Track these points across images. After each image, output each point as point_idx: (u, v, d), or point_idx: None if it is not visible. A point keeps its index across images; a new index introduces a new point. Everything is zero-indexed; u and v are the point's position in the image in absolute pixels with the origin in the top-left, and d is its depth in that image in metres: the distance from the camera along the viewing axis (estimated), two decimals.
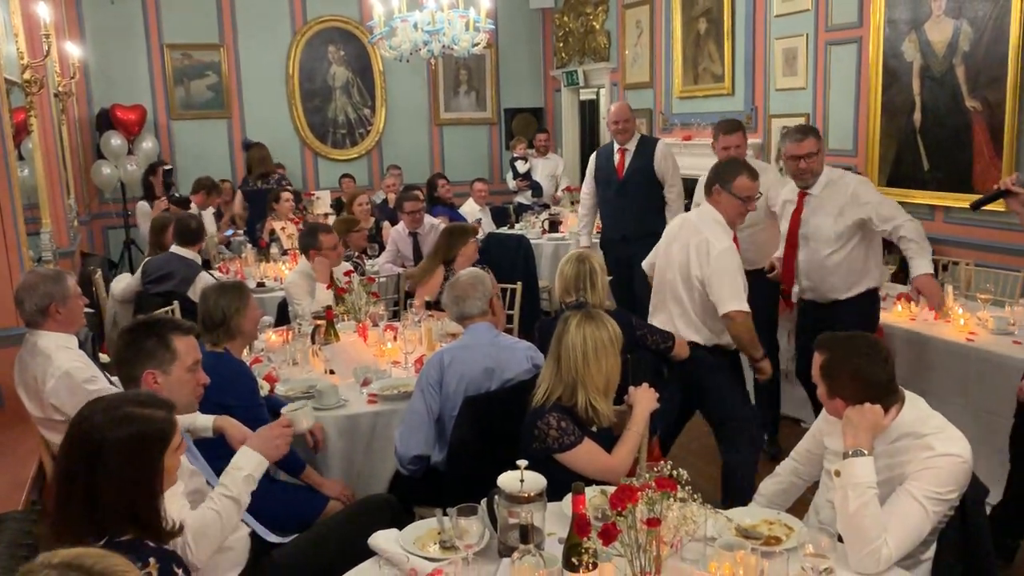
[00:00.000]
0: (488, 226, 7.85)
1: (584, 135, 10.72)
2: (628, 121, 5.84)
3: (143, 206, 7.87)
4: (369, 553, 2.26)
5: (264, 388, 3.46)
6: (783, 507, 2.64)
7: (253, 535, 2.56)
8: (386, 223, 7.24)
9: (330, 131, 10.02)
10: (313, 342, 4.05)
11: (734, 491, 3.43)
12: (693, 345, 3.72)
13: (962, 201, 4.99)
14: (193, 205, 7.55)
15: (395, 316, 5.24)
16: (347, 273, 4.91)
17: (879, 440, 2.26)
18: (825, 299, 4.11)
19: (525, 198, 9.09)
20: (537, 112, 10.82)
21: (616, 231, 5.99)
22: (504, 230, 7.77)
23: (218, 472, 2.40)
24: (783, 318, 4.64)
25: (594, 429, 2.73)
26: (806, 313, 4.26)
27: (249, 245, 7.01)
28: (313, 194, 9.04)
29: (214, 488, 2.33)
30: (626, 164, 5.87)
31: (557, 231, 7.49)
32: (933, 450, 2.17)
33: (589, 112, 10.79)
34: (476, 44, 5.89)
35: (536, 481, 2.21)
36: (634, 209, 5.83)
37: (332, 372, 3.80)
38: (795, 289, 4.28)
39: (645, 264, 4.25)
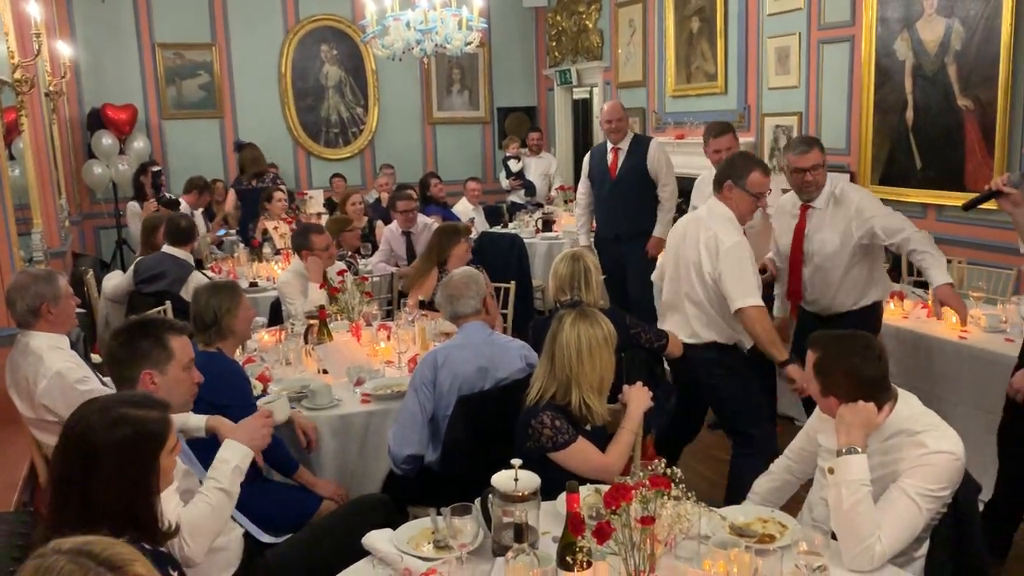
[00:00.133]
0: (481, 225, 7.85)
1: (577, 134, 10.72)
2: (621, 120, 5.85)
3: (133, 206, 7.85)
4: (363, 553, 2.26)
5: (257, 388, 3.46)
6: (777, 505, 2.64)
7: (247, 535, 2.56)
8: (379, 222, 7.23)
9: (323, 130, 9.99)
10: (306, 342, 4.04)
11: (737, 495, 3.37)
12: (712, 346, 3.61)
13: (954, 199, 5.01)
14: (185, 205, 7.53)
15: (388, 315, 5.23)
16: (340, 272, 4.90)
17: (872, 438, 2.26)
18: (828, 312, 3.99)
19: (518, 197, 9.09)
20: (530, 111, 10.82)
21: (609, 230, 6.00)
22: (497, 229, 7.77)
23: None
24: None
25: (588, 428, 2.74)
26: (806, 320, 4.11)
27: (241, 245, 6.99)
28: (306, 194, 9.03)
29: (205, 481, 2.32)
30: (619, 163, 5.87)
31: (551, 230, 7.49)
32: (926, 447, 2.17)
33: (582, 111, 10.79)
34: (469, 43, 5.88)
35: (530, 480, 2.20)
36: (627, 208, 5.83)
37: (325, 372, 3.79)
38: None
39: (655, 276, 4.19)
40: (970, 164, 5.10)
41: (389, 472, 3.29)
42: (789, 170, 3.92)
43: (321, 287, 4.69)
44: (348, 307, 4.52)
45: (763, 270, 4.41)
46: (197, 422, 2.69)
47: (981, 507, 3.12)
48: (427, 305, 4.63)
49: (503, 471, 2.23)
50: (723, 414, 3.68)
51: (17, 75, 4.77)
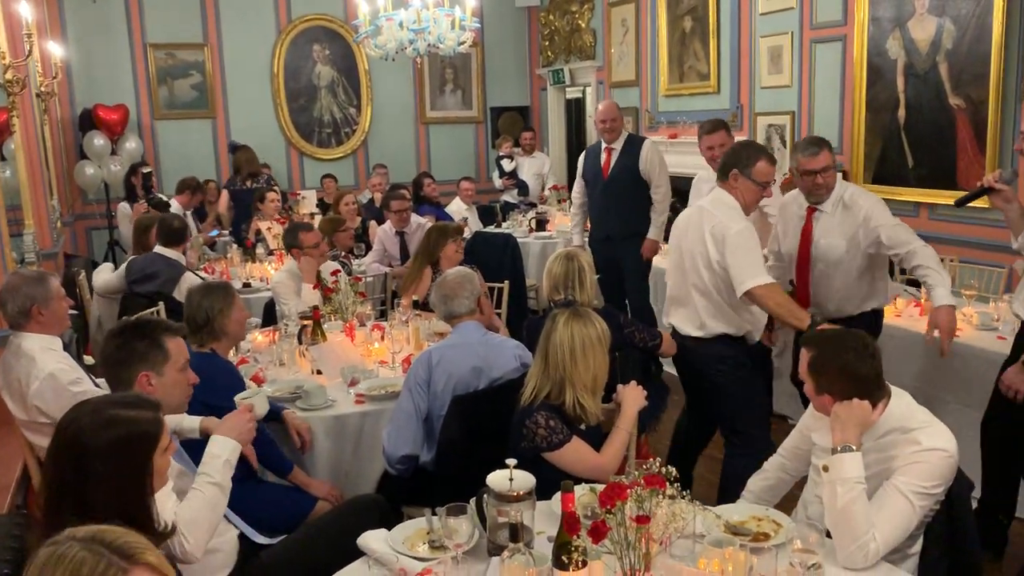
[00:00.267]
0: (475, 225, 7.85)
1: (570, 133, 10.73)
2: (616, 120, 5.82)
3: (124, 207, 7.83)
4: (358, 553, 2.26)
5: (251, 389, 3.44)
6: (771, 503, 2.64)
7: (241, 536, 2.56)
8: (372, 222, 7.23)
9: (315, 130, 9.98)
10: (300, 342, 4.03)
11: (732, 494, 3.37)
12: (721, 338, 3.54)
13: (946, 198, 5.02)
14: (177, 205, 7.50)
15: (382, 316, 5.23)
16: (334, 273, 4.90)
17: (866, 436, 2.27)
18: (829, 317, 3.82)
19: (511, 197, 9.10)
20: (523, 111, 10.82)
21: (601, 230, 5.98)
22: (491, 229, 7.77)
23: None
24: (784, 331, 4.53)
25: (583, 427, 2.74)
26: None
27: (235, 245, 6.97)
28: (299, 194, 9.01)
29: (197, 476, 2.32)
30: (612, 163, 5.85)
31: (544, 230, 7.49)
32: (920, 445, 2.18)
33: (575, 110, 10.80)
34: (462, 43, 5.88)
35: (525, 480, 2.20)
36: (619, 209, 5.81)
37: (319, 372, 3.78)
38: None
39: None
40: (962, 162, 5.12)
41: (383, 472, 3.28)
42: (798, 173, 3.75)
43: (315, 287, 4.69)
44: (342, 307, 4.51)
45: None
46: (191, 423, 2.69)
47: (974, 504, 3.14)
48: (421, 305, 4.63)
49: (498, 471, 2.23)
50: (724, 412, 3.61)
51: (8, 76, 4.75)
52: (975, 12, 4.90)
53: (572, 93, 10.63)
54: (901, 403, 2.33)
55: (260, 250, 6.55)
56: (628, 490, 1.94)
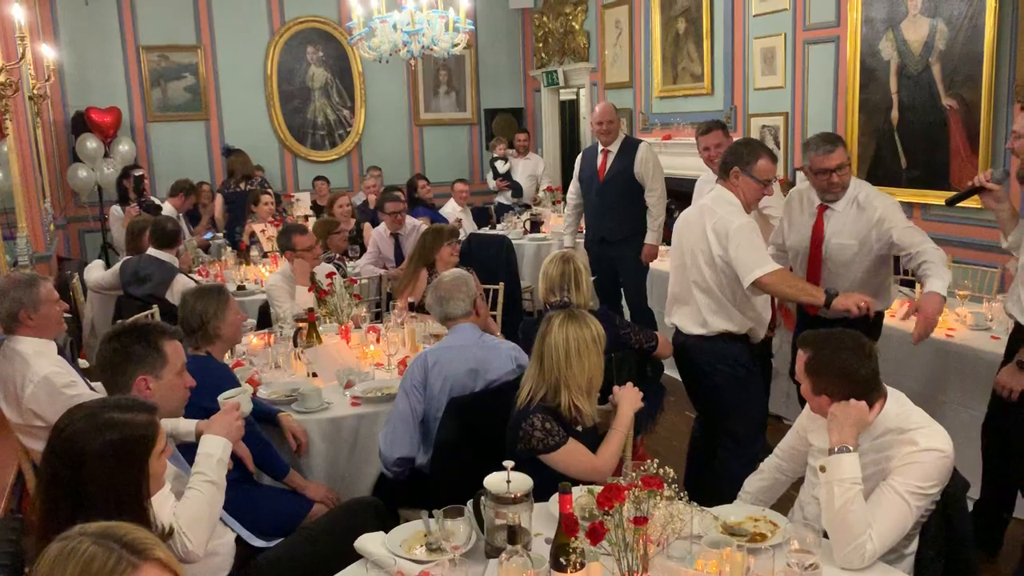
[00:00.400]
0: (469, 226, 7.85)
1: (564, 135, 10.74)
2: (612, 122, 5.80)
3: (116, 211, 7.80)
4: (355, 556, 2.25)
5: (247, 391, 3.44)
6: (767, 504, 2.65)
7: (238, 540, 2.55)
8: (367, 224, 7.22)
9: (309, 133, 9.97)
10: (295, 345, 4.03)
11: (727, 497, 3.35)
12: (724, 336, 3.50)
13: (940, 198, 5.03)
14: (170, 208, 7.49)
15: (377, 318, 5.22)
16: (329, 275, 4.89)
17: (863, 436, 2.28)
18: (833, 317, 3.71)
19: (505, 198, 9.10)
20: (517, 112, 10.82)
21: (596, 233, 5.97)
22: (486, 230, 7.77)
23: None
24: (784, 331, 4.51)
25: (579, 429, 2.74)
26: (808, 322, 3.86)
27: (229, 248, 6.97)
28: (292, 196, 9.01)
29: (191, 477, 2.32)
30: (608, 166, 5.84)
31: (539, 231, 7.50)
32: (916, 445, 2.19)
33: (569, 112, 10.81)
34: (456, 45, 5.88)
35: (523, 482, 2.20)
36: (614, 212, 5.80)
37: (315, 375, 3.78)
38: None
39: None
40: (955, 163, 5.13)
41: (380, 475, 3.28)
42: (813, 172, 3.67)
43: (310, 290, 4.68)
44: (337, 310, 4.51)
45: None
46: (187, 427, 2.68)
47: (970, 505, 3.15)
48: (416, 307, 4.63)
49: (495, 473, 2.23)
50: (721, 412, 3.59)
51: (1, 79, 4.74)
52: (967, 13, 4.92)
53: (566, 95, 10.64)
54: (897, 404, 2.34)
55: (254, 252, 6.54)
56: (626, 491, 1.95)
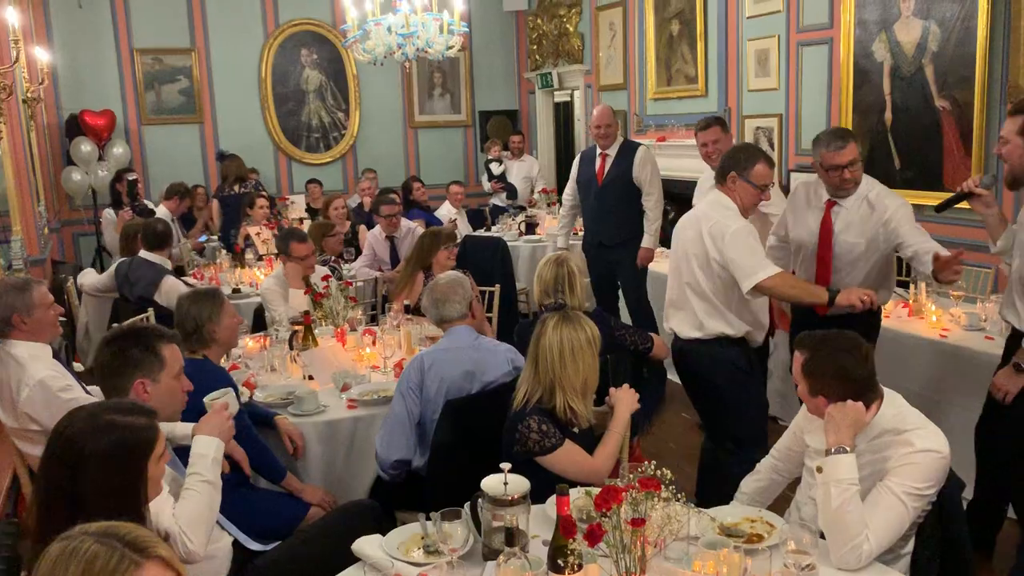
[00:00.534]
0: (464, 228, 7.85)
1: (559, 137, 10.74)
2: (610, 126, 5.77)
3: (109, 214, 7.78)
4: (353, 559, 2.26)
5: (244, 394, 3.44)
6: (764, 505, 2.65)
7: (235, 543, 2.55)
8: (362, 227, 7.22)
9: (304, 135, 9.96)
10: (291, 348, 4.02)
11: (726, 499, 3.32)
12: (720, 339, 3.49)
13: (933, 199, 5.04)
14: (165, 210, 7.47)
15: (373, 320, 5.22)
16: (325, 278, 4.89)
17: (860, 437, 2.28)
18: (837, 314, 3.67)
19: (500, 200, 9.11)
20: (512, 114, 10.83)
21: (595, 236, 5.94)
22: (481, 232, 7.77)
23: None
24: (779, 332, 4.48)
25: (575, 430, 2.74)
26: (805, 319, 3.80)
27: (224, 251, 6.96)
28: (287, 199, 9.00)
29: (186, 478, 2.32)
30: (606, 169, 5.81)
31: (534, 233, 7.51)
32: (913, 446, 2.20)
33: (564, 114, 10.82)
34: (450, 47, 5.87)
35: (520, 484, 2.21)
36: (612, 216, 5.77)
37: (311, 378, 3.78)
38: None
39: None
40: (948, 164, 5.15)
41: (376, 477, 3.28)
42: (823, 168, 3.58)
43: (306, 292, 4.68)
44: (333, 312, 4.51)
45: None
46: (184, 430, 2.67)
47: (964, 504, 3.16)
48: (412, 310, 4.63)
49: (493, 475, 2.24)
50: (720, 415, 3.58)
51: None
52: (960, 15, 4.94)
53: (560, 97, 10.64)
54: (894, 405, 2.34)
55: (249, 255, 6.53)
56: (623, 493, 1.95)
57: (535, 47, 10.18)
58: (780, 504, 2.69)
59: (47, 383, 3.06)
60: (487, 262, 6.39)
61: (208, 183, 9.24)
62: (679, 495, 2.08)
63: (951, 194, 3.66)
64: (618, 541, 1.95)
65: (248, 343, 4.24)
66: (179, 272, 6.13)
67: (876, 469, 2.25)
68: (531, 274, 6.20)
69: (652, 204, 5.71)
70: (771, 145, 6.57)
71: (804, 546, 2.01)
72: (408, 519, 2.84)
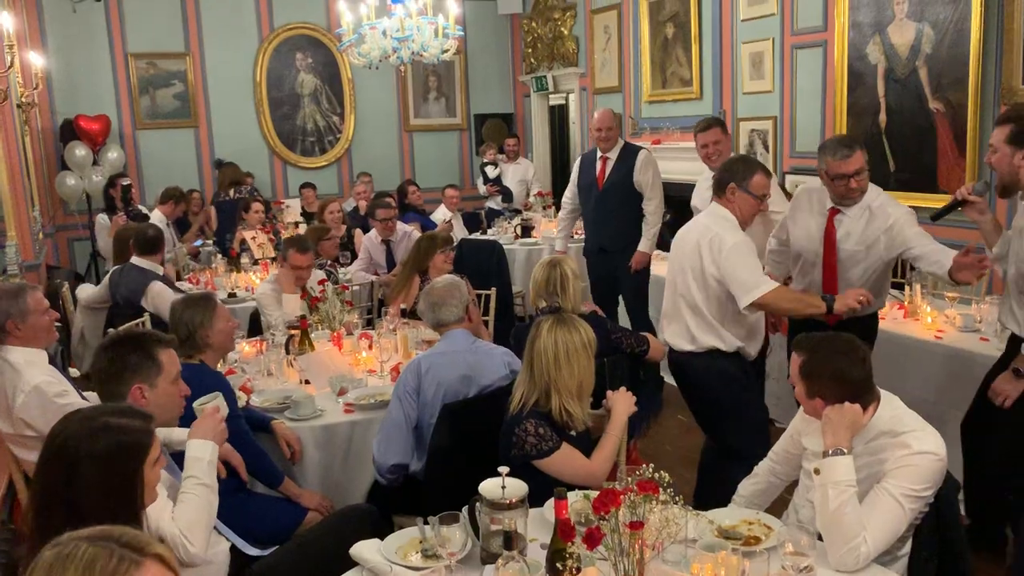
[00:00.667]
0: (460, 232, 7.85)
1: (554, 140, 10.76)
2: (611, 129, 5.73)
3: (102, 219, 7.76)
4: (351, 563, 2.25)
5: (240, 399, 3.43)
6: (762, 507, 2.66)
7: (233, 549, 2.54)
8: (358, 231, 7.21)
9: (299, 139, 9.95)
10: (288, 352, 4.02)
11: (721, 498, 3.32)
12: (713, 353, 3.48)
13: (928, 201, 5.07)
14: (160, 215, 7.46)
15: (369, 324, 5.22)
16: (321, 282, 4.89)
17: (857, 439, 2.29)
18: (849, 317, 3.64)
19: (496, 204, 9.11)
20: (507, 117, 10.84)
21: (595, 241, 5.90)
22: (477, 236, 7.77)
23: None
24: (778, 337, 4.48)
25: (572, 433, 2.74)
26: (805, 324, 3.73)
27: (219, 255, 6.95)
28: (283, 203, 8.99)
29: (183, 482, 2.32)
30: (607, 173, 5.77)
31: (529, 236, 7.51)
32: (910, 448, 2.20)
33: (559, 117, 10.83)
34: (445, 51, 5.88)
35: (518, 487, 2.21)
36: (613, 220, 5.74)
37: (307, 382, 3.77)
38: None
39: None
40: (943, 165, 5.17)
41: (374, 482, 3.28)
42: (829, 177, 3.55)
43: (302, 296, 4.68)
44: (329, 316, 4.50)
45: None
46: (181, 435, 2.66)
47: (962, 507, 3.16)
48: (409, 313, 4.63)
49: (491, 479, 2.24)
50: (719, 424, 3.57)
51: None
52: (953, 17, 4.96)
53: (555, 100, 10.66)
54: (890, 407, 2.35)
55: (245, 260, 6.52)
56: (622, 496, 1.95)
57: (530, 50, 10.20)
58: (778, 507, 2.70)
59: (43, 389, 3.05)
60: (483, 265, 6.39)
61: (203, 188, 9.23)
62: (677, 498, 2.08)
63: (948, 199, 3.68)
64: (616, 544, 1.95)
65: (244, 347, 4.23)
66: (176, 277, 6.12)
67: (873, 471, 2.25)
68: (527, 277, 6.19)
69: (652, 208, 5.66)
70: (766, 148, 6.59)
71: (802, 548, 2.02)
72: (406, 523, 2.83)
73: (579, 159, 6.16)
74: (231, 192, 8.11)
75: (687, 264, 3.49)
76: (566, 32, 9.44)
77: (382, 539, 2.33)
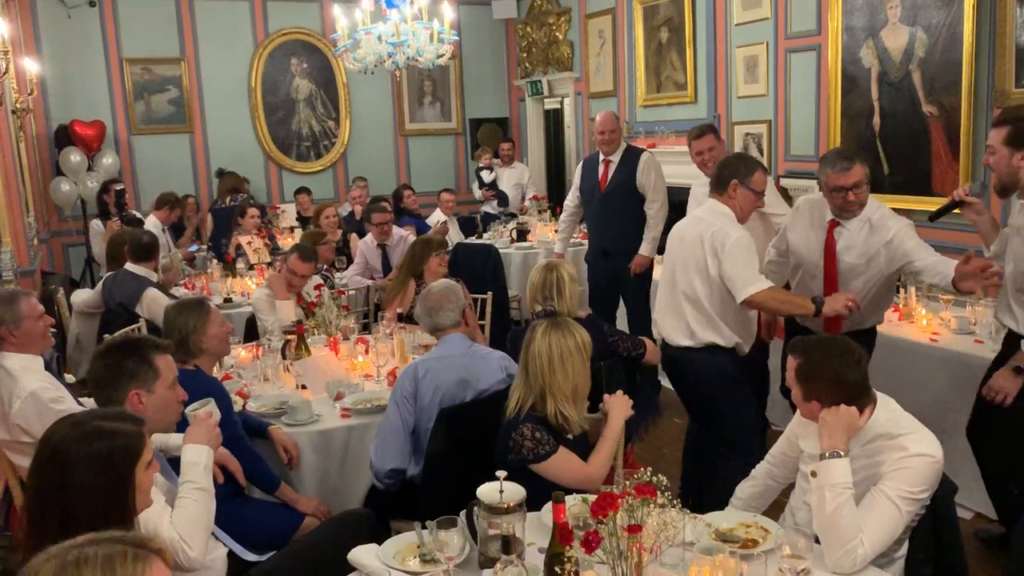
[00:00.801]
0: (456, 236, 7.85)
1: (549, 144, 10.77)
2: (614, 132, 5.71)
3: (96, 225, 7.75)
4: (348, 569, 2.25)
5: (237, 404, 3.43)
6: (759, 510, 2.66)
7: (230, 554, 2.54)
8: (353, 235, 7.22)
9: (294, 144, 9.95)
10: (284, 357, 4.02)
11: (722, 503, 3.33)
12: (711, 348, 3.51)
13: (922, 204, 5.10)
14: (155, 220, 7.45)
15: (366, 329, 5.22)
16: (317, 287, 4.89)
17: (853, 442, 2.29)
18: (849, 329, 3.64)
19: (491, 208, 9.12)
20: (502, 122, 10.85)
21: (598, 245, 5.89)
22: (472, 240, 7.77)
23: None
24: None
25: (569, 437, 2.75)
26: (800, 331, 3.76)
27: (215, 260, 6.94)
28: (278, 208, 8.99)
29: (179, 487, 2.31)
30: (609, 176, 5.75)
31: (525, 240, 7.51)
32: (906, 450, 2.21)
33: (554, 121, 10.85)
34: (440, 55, 5.89)
35: (516, 491, 2.21)
36: (616, 223, 5.72)
37: (304, 387, 3.77)
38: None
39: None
40: (936, 169, 5.19)
41: (371, 486, 3.28)
42: (828, 189, 3.54)
43: (298, 302, 4.68)
44: (325, 321, 4.50)
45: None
46: (178, 441, 2.66)
47: (960, 510, 3.16)
48: (405, 318, 4.63)
49: (488, 483, 2.24)
50: (714, 421, 3.60)
51: None
52: (946, 21, 4.98)
53: (550, 104, 10.68)
54: (887, 409, 2.36)
55: (240, 265, 6.52)
56: (620, 499, 1.95)
57: (525, 55, 10.22)
58: (775, 510, 2.70)
59: (39, 395, 3.05)
60: (479, 269, 6.39)
61: (198, 193, 9.22)
62: (675, 501, 2.09)
63: (942, 202, 3.69)
64: (614, 548, 1.95)
65: (240, 353, 4.23)
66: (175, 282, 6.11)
67: (870, 473, 2.26)
68: (523, 281, 6.20)
69: (655, 211, 5.64)
70: (760, 151, 6.61)
71: (799, 551, 2.02)
72: (403, 528, 2.83)
73: (581, 162, 6.14)
74: (227, 200, 8.11)
75: (689, 259, 3.51)
76: (561, 37, 9.46)
77: (380, 544, 2.32)
